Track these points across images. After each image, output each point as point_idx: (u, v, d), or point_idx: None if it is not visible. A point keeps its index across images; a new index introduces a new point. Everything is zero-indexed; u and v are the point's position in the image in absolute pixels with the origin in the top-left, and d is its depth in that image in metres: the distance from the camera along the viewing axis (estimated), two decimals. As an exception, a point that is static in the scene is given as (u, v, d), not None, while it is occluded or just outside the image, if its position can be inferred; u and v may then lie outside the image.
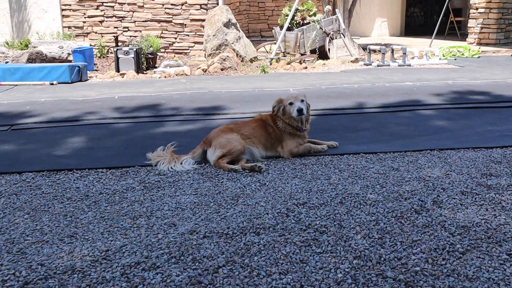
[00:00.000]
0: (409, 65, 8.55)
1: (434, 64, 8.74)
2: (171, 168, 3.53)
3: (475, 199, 2.90)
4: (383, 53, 8.64)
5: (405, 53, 8.62)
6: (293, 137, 3.72)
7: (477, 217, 2.66)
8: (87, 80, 7.73)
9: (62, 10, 10.92)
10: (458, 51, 9.99)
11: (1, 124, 5.02)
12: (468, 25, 11.91)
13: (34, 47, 8.95)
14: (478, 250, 2.31)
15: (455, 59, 9.33)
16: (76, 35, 10.84)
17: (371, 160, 3.67)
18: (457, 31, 13.16)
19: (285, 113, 3.67)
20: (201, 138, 3.82)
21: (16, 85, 7.31)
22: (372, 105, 5.52)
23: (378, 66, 8.50)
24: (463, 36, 12.63)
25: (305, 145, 3.78)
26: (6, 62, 8.14)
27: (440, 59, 9.09)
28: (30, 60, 8.27)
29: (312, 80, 7.15)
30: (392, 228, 2.55)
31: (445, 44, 10.92)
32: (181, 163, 3.57)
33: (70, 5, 10.85)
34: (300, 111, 3.59)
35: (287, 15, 9.46)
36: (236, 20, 9.63)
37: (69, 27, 10.93)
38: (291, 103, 3.64)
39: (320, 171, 3.42)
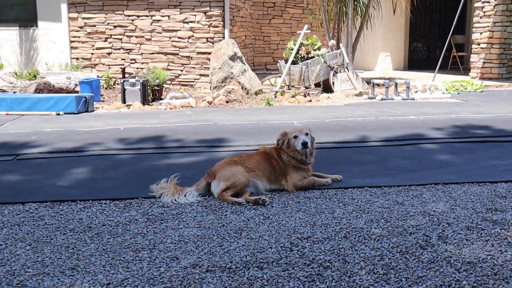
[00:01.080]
0: (413, 99, 8.60)
1: (437, 98, 8.79)
2: (175, 200, 3.52)
3: (481, 234, 2.87)
4: (387, 87, 8.70)
5: (408, 87, 8.68)
6: (297, 170, 3.72)
7: (483, 253, 2.63)
8: (94, 111, 7.79)
9: (71, 41, 11.10)
10: (461, 85, 10.05)
11: (7, 153, 5.04)
12: (471, 59, 12.02)
13: (42, 77, 9.05)
14: (485, 287, 2.28)
15: (458, 93, 9.37)
16: (84, 66, 10.98)
17: (376, 194, 3.66)
18: (459, 66, 13.27)
19: (290, 146, 3.68)
20: (206, 170, 3.82)
21: (23, 115, 7.38)
22: (376, 138, 5.53)
23: (382, 99, 8.55)
24: (466, 71, 12.73)
25: (309, 179, 3.77)
26: (14, 92, 8.23)
27: (443, 93, 9.14)
28: (37, 90, 8.36)
29: (316, 113, 7.18)
30: (397, 263, 2.53)
31: (448, 78, 10.99)
32: (185, 195, 3.56)
33: (79, 37, 11.03)
34: (305, 144, 3.60)
35: (292, 49, 9.57)
36: (242, 53, 9.74)
37: (77, 58, 11.08)
38: (295, 136, 3.65)
39: (324, 205, 3.41)
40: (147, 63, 10.85)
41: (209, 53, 10.20)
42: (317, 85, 9.47)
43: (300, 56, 9.60)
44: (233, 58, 8.92)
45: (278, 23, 13.93)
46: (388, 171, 4.27)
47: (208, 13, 10.43)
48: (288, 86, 9.67)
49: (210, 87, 9.46)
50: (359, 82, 9.74)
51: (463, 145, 5.20)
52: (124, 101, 8.34)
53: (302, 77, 9.29)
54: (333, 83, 9.52)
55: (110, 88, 10.25)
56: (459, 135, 5.63)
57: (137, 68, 10.83)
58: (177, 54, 10.74)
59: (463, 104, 8.06)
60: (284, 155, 3.71)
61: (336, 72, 9.51)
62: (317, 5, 11.89)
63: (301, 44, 9.58)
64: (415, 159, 4.66)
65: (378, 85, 9.39)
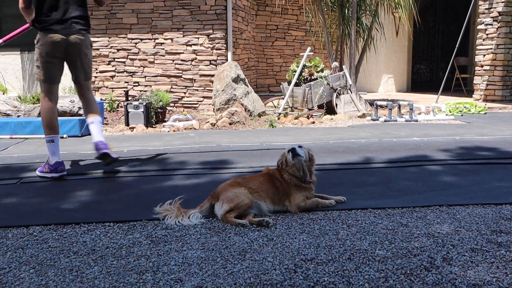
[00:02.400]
0: (416, 121, 8.62)
1: (441, 120, 8.81)
2: (179, 222, 3.52)
3: (486, 256, 2.86)
4: (390, 109, 8.73)
5: (412, 109, 8.70)
6: (300, 191, 3.72)
7: (488, 275, 2.61)
8: (97, 133, 7.82)
9: (75, 65, 11.16)
10: (465, 107, 10.08)
11: (10, 177, 5.06)
12: (474, 81, 12.06)
13: (46, 101, 9.10)
14: (491, 310, 2.26)
15: (462, 115, 9.39)
16: (88, 90, 11.03)
17: (380, 215, 3.65)
18: (463, 88, 13.31)
19: (288, 164, 3.69)
20: (209, 192, 3.82)
21: (27, 138, 7.42)
22: (380, 160, 5.53)
23: (385, 121, 8.57)
24: (469, 93, 12.78)
25: (313, 200, 3.77)
26: (18, 116, 8.28)
27: (446, 115, 9.17)
28: (41, 114, 8.41)
29: (319, 135, 7.20)
30: (402, 285, 2.51)
31: (452, 100, 11.02)
32: (188, 217, 3.56)
33: (82, 60, 11.09)
34: (292, 150, 3.62)
35: (295, 71, 9.63)
36: (245, 75, 9.81)
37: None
38: (288, 151, 3.68)
39: (328, 226, 3.40)
40: (151, 85, 10.94)
41: (212, 76, 10.29)
42: (320, 107, 9.51)
43: (303, 78, 9.66)
44: (236, 80, 8.98)
45: (281, 45, 14.05)
46: (392, 193, 4.26)
47: (211, 36, 10.54)
48: (291, 108, 9.71)
49: (213, 109, 9.50)
50: (362, 103, 9.78)
51: (467, 167, 5.19)
52: (127, 124, 8.39)
53: (305, 99, 9.33)
54: (336, 104, 9.55)
55: (113, 111, 10.32)
56: (463, 157, 5.62)
57: (141, 91, 10.91)
58: (180, 76, 10.82)
59: (466, 126, 8.07)
60: (285, 174, 3.72)
61: (339, 94, 9.55)
62: (319, 27, 12.00)
63: (304, 66, 9.65)
64: (419, 181, 4.65)
65: (381, 106, 9.42)
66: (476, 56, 11.99)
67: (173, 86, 10.89)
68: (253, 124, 8.43)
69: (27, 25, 5.27)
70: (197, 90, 10.80)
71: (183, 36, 10.72)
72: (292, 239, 3.17)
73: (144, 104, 8.31)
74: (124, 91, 10.20)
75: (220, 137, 7.18)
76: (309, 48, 10.04)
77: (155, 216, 3.65)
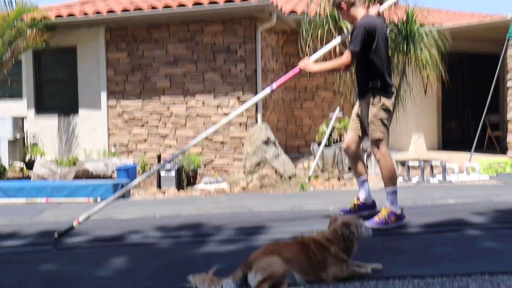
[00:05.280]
0: (450, 181, 8.47)
1: (475, 180, 8.64)
2: (212, 292, 3.47)
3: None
4: (422, 169, 8.62)
5: (444, 169, 8.58)
6: (338, 262, 3.64)
7: None
8: (129, 197, 7.92)
9: (109, 128, 11.49)
10: (500, 166, 9.89)
11: (46, 242, 5.12)
12: (507, 139, 11.88)
13: (81, 164, 9.33)
14: None
15: (497, 175, 9.20)
16: (121, 152, 11.27)
17: (419, 284, 3.53)
18: (496, 145, 13.12)
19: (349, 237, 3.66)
20: (241, 259, 3.77)
21: (62, 202, 7.56)
22: (415, 224, 5.41)
23: (417, 182, 8.45)
24: (503, 150, 12.56)
25: (350, 269, 3.68)
26: (54, 180, 8.48)
27: (481, 174, 9.00)
28: (76, 177, 8.59)
29: (351, 198, 7.11)
30: None
31: (485, 158, 10.84)
32: (221, 287, 3.51)
33: (116, 124, 11.43)
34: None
35: (325, 132, 9.67)
36: (275, 137, 9.88)
37: (114, 145, 11.41)
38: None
39: (366, 298, 3.30)
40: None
41: (242, 138, 10.39)
42: (350, 168, 9.46)
43: (333, 139, 9.68)
44: (266, 142, 9.06)
45: (309, 106, 14.15)
46: (430, 260, 4.14)
47: (241, 99, 10.72)
48: (322, 169, 9.68)
49: (244, 171, 9.54)
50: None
51: (507, 231, 5.04)
52: (159, 186, 8.48)
53: (336, 160, 9.32)
54: (367, 166, 9.49)
55: (145, 174, 10.44)
56: (502, 220, 5.47)
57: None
58: (211, 139, 10.96)
59: (503, 187, 7.88)
60: (331, 247, 3.64)
61: (370, 155, 9.50)
62: (348, 88, 12.11)
63: (333, 127, 9.69)
64: (458, 246, 4.52)
65: (412, 167, 9.32)
66: (507, 114, 11.87)
67: (204, 149, 11.02)
68: (284, 186, 8.42)
69: (298, 70, 5.43)
70: (227, 152, 10.90)
71: (214, 98, 10.93)
72: (330, 312, 3.09)
73: (176, 167, 8.43)
74: (157, 155, 10.38)
75: (251, 201, 7.17)
76: (338, 109, 10.11)
77: (188, 285, 3.61)
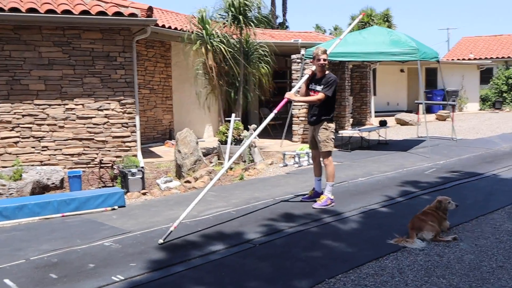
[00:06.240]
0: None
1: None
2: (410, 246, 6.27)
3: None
4: (298, 156, 11.99)
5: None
6: (445, 220, 6.84)
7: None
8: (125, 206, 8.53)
9: None
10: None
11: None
12: (293, 128, 16.29)
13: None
14: None
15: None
16: None
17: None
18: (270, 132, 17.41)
19: (446, 207, 6.85)
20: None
21: (80, 214, 7.93)
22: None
23: (299, 166, 11.80)
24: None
25: (448, 224, 6.96)
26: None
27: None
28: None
29: (299, 182, 9.99)
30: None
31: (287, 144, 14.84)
32: (415, 242, 6.33)
33: None
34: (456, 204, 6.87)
35: (223, 132, 11.90)
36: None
37: None
38: (449, 202, 6.87)
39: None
40: (61, 149, 11.48)
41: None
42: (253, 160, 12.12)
43: (233, 138, 12.11)
44: (197, 143, 10.79)
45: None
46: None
47: (122, 101, 11.82)
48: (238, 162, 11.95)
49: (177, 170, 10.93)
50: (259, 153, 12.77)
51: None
52: (127, 190, 9.34)
53: (242, 155, 11.77)
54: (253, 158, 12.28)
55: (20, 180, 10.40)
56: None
57: (50, 155, 11.35)
58: (93, 139, 11.70)
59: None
60: (440, 212, 6.83)
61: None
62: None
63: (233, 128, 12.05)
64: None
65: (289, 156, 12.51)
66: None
67: (85, 148, 11.67)
68: (229, 179, 10.54)
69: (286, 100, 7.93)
70: (109, 151, 11.85)
71: (95, 102, 11.65)
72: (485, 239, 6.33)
73: (142, 170, 9.48)
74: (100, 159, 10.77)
75: (246, 191, 9.20)
76: (233, 115, 12.50)
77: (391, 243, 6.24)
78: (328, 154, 8.14)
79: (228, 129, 11.98)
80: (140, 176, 9.45)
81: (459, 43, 39.92)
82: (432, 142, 15.40)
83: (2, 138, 11.05)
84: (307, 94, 8.18)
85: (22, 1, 11.24)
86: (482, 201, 8.28)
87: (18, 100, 11.11)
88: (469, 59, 34.78)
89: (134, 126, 11.95)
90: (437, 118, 25.82)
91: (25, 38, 11.09)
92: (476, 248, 6.05)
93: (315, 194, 8.41)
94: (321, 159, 8.34)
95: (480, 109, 32.65)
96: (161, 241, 6.26)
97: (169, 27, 15.16)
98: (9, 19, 10.61)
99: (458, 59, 35.27)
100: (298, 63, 16.26)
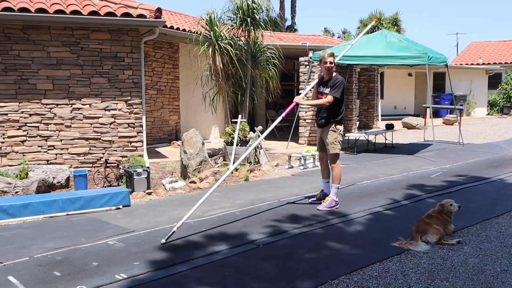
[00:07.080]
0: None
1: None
2: (415, 248, 6.25)
3: None
4: (300, 159, 12.00)
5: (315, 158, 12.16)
6: (449, 223, 6.83)
7: None
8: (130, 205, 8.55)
9: None
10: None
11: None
12: (299, 131, 16.31)
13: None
14: None
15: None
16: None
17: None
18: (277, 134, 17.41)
19: (449, 210, 6.82)
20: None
21: (85, 213, 7.97)
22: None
23: (304, 168, 11.80)
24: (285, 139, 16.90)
25: (452, 227, 6.94)
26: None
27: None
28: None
29: (301, 184, 9.97)
30: None
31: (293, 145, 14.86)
32: (420, 245, 6.31)
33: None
34: (459, 207, 6.83)
35: (229, 133, 11.94)
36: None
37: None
38: (451, 205, 6.83)
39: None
40: (67, 148, 11.53)
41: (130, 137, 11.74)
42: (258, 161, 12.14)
43: (239, 139, 12.10)
44: (203, 144, 10.81)
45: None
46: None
47: (129, 102, 11.88)
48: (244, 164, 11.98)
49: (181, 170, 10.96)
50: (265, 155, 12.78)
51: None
52: (133, 190, 9.36)
53: (248, 156, 11.79)
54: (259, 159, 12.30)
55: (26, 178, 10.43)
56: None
57: (56, 154, 11.41)
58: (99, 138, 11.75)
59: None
60: (445, 216, 6.81)
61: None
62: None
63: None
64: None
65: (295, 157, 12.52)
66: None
67: (91, 148, 11.73)
68: (234, 180, 10.54)
69: (295, 103, 8.14)
70: (115, 150, 11.90)
71: (102, 102, 11.71)
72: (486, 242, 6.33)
73: (148, 170, 9.51)
74: (106, 159, 10.83)
75: (251, 192, 9.24)
76: (239, 116, 12.50)
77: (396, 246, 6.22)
78: (336, 156, 8.14)
79: (234, 131, 12.00)
80: (146, 176, 9.47)
81: (468, 48, 39.81)
82: (439, 146, 15.37)
83: (9, 137, 11.13)
84: (317, 97, 8.20)
85: (31, 1, 11.34)
86: (488, 205, 8.25)
87: (26, 99, 11.18)
88: (477, 64, 34.66)
89: (141, 126, 11.99)
90: (444, 123, 25.76)
91: (34, 38, 11.17)
92: (481, 252, 6.02)
93: (323, 196, 8.39)
94: (328, 161, 8.33)
95: (488, 114, 32.49)
96: (163, 241, 6.28)
97: (177, 29, 15.22)
98: (18, 19, 10.71)
99: (467, 64, 35.17)
100: (306, 65, 16.30)
